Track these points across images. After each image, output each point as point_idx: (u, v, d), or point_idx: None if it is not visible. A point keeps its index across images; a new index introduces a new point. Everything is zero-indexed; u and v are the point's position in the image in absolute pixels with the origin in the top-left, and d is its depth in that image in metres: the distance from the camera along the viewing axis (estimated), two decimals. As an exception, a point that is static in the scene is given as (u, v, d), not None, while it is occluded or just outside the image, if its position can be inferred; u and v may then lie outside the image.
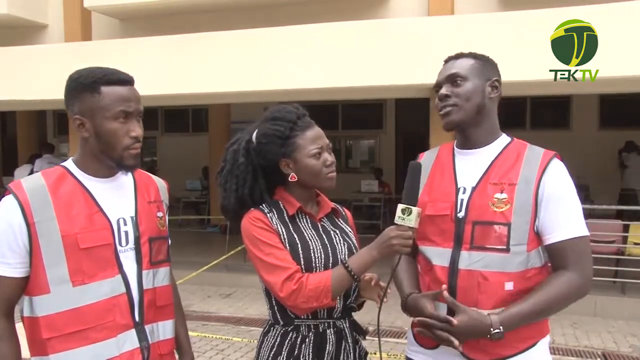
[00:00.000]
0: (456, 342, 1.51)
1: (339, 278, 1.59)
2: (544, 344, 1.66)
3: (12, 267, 1.43)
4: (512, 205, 1.57)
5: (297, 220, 1.72)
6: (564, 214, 1.58)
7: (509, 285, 1.56)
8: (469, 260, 1.59)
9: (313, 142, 1.68)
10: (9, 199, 1.44)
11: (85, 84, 1.48)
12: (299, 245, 1.65)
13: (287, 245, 1.65)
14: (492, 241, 1.57)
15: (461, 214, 1.63)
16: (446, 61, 1.76)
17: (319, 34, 6.33)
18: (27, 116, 12.82)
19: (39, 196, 1.43)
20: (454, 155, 1.76)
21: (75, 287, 1.43)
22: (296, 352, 1.66)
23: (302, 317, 1.66)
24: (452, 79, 1.68)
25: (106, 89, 1.47)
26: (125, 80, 1.52)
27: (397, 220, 1.55)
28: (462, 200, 1.64)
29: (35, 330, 1.43)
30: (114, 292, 1.47)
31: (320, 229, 1.73)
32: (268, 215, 1.69)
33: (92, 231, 1.46)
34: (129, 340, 1.50)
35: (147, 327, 1.54)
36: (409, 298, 1.68)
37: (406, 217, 1.53)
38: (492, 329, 1.50)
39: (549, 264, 1.64)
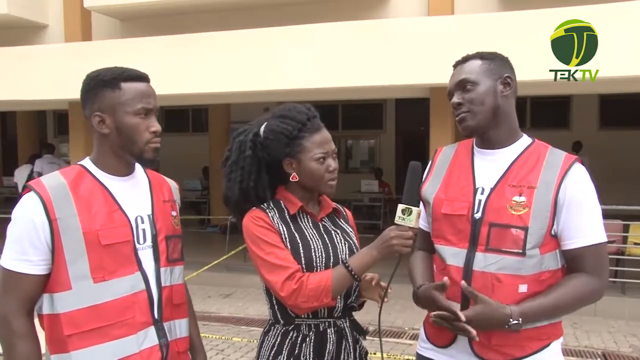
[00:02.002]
0: (473, 332, 1.50)
1: (339, 277, 1.59)
2: (557, 345, 1.65)
3: (34, 264, 1.43)
4: (530, 209, 1.55)
5: (299, 219, 1.71)
6: (584, 220, 1.57)
7: (523, 288, 1.56)
8: (484, 262, 1.57)
9: (319, 146, 1.67)
10: (30, 196, 1.44)
11: (106, 80, 1.50)
12: (300, 245, 1.65)
13: (288, 244, 1.65)
14: (509, 244, 1.56)
15: (478, 215, 1.61)
16: (454, 66, 1.73)
17: (319, 34, 6.33)
18: (27, 116, 12.83)
19: (61, 193, 1.45)
20: (473, 154, 1.73)
21: (96, 284, 1.44)
22: (297, 351, 1.65)
23: (303, 316, 1.66)
24: (462, 86, 1.66)
25: (126, 85, 1.50)
26: (143, 77, 1.55)
27: (397, 220, 1.54)
28: (479, 200, 1.62)
29: (56, 328, 1.44)
30: (133, 289, 1.49)
31: (322, 229, 1.73)
32: (269, 214, 1.69)
33: (112, 228, 1.47)
34: (149, 337, 1.51)
35: (166, 325, 1.56)
36: (420, 289, 1.67)
37: (406, 217, 1.53)
38: (511, 319, 1.50)
39: (564, 267, 1.63)
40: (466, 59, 1.70)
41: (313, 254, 1.65)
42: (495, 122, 1.65)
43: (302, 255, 1.64)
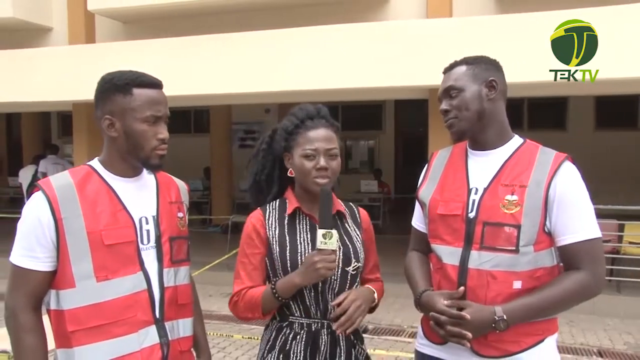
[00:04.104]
0: (469, 335, 1.52)
1: (266, 297, 1.66)
2: (552, 341, 1.66)
3: (41, 261, 1.46)
4: (522, 207, 1.57)
5: (297, 220, 1.72)
6: (575, 217, 1.58)
7: (517, 284, 1.57)
8: (478, 260, 1.60)
9: (310, 142, 1.68)
10: (38, 195, 1.47)
11: (119, 85, 1.51)
12: (288, 248, 1.67)
13: (277, 246, 1.68)
14: (502, 242, 1.57)
15: (472, 214, 1.63)
16: (443, 72, 1.76)
17: (319, 36, 6.33)
18: (32, 118, 12.84)
19: (67, 194, 1.47)
20: (466, 155, 1.76)
21: (99, 283, 1.46)
22: (287, 347, 1.67)
23: (296, 314, 1.68)
24: (448, 93, 1.70)
25: (138, 91, 1.51)
26: (156, 84, 1.56)
27: (319, 245, 1.57)
28: (473, 200, 1.64)
29: (61, 323, 1.46)
30: (135, 288, 1.50)
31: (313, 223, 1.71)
32: (267, 214, 1.72)
33: (116, 228, 1.49)
34: (150, 336, 1.52)
35: (167, 324, 1.56)
36: (423, 294, 1.68)
37: (328, 241, 1.57)
38: (495, 317, 1.52)
39: (561, 265, 1.64)
40: (453, 66, 1.74)
41: (299, 257, 1.66)
42: (482, 125, 1.68)
43: (287, 258, 1.66)
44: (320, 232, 1.57)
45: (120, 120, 1.51)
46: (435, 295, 1.63)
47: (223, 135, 10.83)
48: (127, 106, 1.50)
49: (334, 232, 1.58)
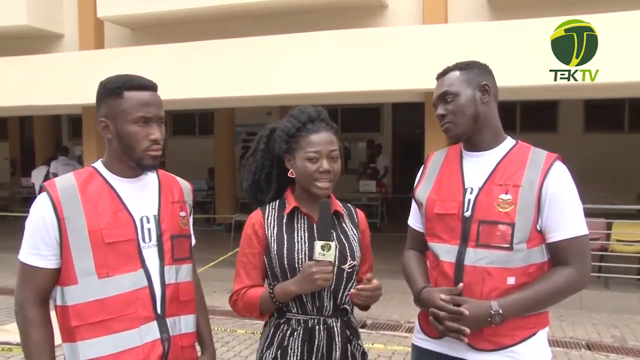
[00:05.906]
0: (467, 330, 1.52)
1: (264, 299, 1.66)
2: (543, 334, 1.67)
3: (46, 258, 1.47)
4: (516, 206, 1.58)
5: (295, 219, 1.71)
6: (565, 215, 1.59)
7: (511, 280, 1.58)
8: (474, 257, 1.60)
9: (312, 145, 1.66)
10: (43, 196, 1.49)
11: (111, 89, 1.51)
12: (285, 246, 1.66)
13: (275, 244, 1.67)
14: (497, 240, 1.58)
15: (468, 213, 1.63)
16: (437, 78, 1.76)
17: (320, 41, 6.32)
18: (44, 120, 12.83)
19: (69, 194, 1.48)
20: (461, 156, 1.76)
21: (100, 280, 1.46)
22: (285, 343, 1.67)
23: (293, 311, 1.68)
24: (443, 98, 1.70)
25: (128, 94, 1.50)
26: (147, 86, 1.54)
27: (317, 256, 1.56)
28: (469, 200, 1.65)
29: (66, 319, 1.47)
30: (135, 285, 1.49)
31: (315, 231, 1.70)
32: (266, 213, 1.71)
33: (116, 227, 1.49)
34: (151, 331, 1.51)
35: (169, 320, 1.56)
36: (422, 291, 1.69)
37: (326, 253, 1.56)
38: (492, 311, 1.52)
39: (550, 260, 1.64)
40: (446, 72, 1.73)
41: (296, 255, 1.65)
42: (477, 128, 1.68)
43: (285, 256, 1.65)
44: (318, 243, 1.57)
45: (113, 123, 1.51)
46: (434, 292, 1.63)
47: (227, 137, 10.82)
48: (119, 109, 1.50)
49: (333, 244, 1.57)
